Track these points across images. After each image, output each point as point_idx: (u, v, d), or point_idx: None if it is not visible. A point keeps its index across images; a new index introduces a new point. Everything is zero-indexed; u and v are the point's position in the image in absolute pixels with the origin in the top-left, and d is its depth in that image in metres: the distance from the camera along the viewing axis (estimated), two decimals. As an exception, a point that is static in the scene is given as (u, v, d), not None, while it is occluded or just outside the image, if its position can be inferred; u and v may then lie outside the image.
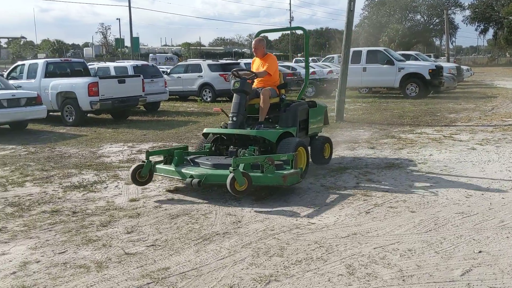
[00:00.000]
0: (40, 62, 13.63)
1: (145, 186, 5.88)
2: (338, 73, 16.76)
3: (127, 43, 65.92)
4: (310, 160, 6.56)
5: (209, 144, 6.30)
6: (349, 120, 12.02)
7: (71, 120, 12.45)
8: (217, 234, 4.29)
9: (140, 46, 68.38)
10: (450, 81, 20.09)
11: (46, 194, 5.79)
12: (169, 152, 6.01)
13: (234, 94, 6.18)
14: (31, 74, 13.29)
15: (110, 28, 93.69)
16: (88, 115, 13.03)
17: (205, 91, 18.84)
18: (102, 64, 19.02)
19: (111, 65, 17.51)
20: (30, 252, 3.96)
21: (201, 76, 18.84)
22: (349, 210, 4.92)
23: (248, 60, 24.62)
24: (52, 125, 12.47)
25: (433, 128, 10.42)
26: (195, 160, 5.76)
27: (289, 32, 78.08)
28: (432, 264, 3.56)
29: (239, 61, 24.21)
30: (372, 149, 8.23)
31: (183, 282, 3.35)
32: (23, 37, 76.15)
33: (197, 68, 19.21)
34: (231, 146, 6.10)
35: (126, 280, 3.39)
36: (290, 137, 6.03)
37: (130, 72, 15.56)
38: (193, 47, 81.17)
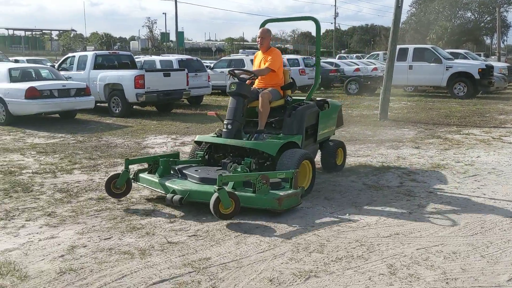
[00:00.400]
0: (90, 54, 14.07)
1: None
2: (383, 70, 16.46)
3: (172, 37, 67.03)
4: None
5: (202, 153, 5.61)
6: (393, 119, 11.79)
7: (117, 111, 12.79)
8: (257, 228, 4.32)
9: (185, 41, 69.39)
10: (501, 81, 19.33)
11: (93, 181, 5.99)
12: (154, 159, 5.36)
13: (230, 98, 5.42)
14: (81, 65, 13.74)
15: (156, 22, 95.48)
16: (134, 107, 13.36)
17: (248, 86, 18.88)
18: (148, 58, 19.42)
19: (156, 58, 17.86)
20: (78, 236, 4.11)
21: (244, 71, 18.89)
22: (392, 210, 4.83)
23: (291, 56, 24.54)
24: (100, 115, 12.86)
25: (481, 129, 10.08)
26: (183, 171, 5.10)
27: (333, 28, 77.13)
28: (477, 268, 3.46)
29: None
30: (417, 148, 8.05)
31: (223, 273, 3.40)
32: (73, 30, 78.77)
33: (240, 63, 19.29)
34: (228, 157, 5.42)
35: (168, 268, 3.48)
36: (294, 149, 5.22)
37: (175, 66, 15.83)
38: (236, 42, 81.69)
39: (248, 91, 5.45)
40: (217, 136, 5.44)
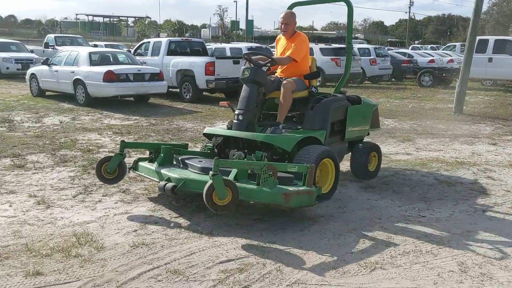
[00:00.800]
0: (164, 40, 14.52)
1: None
2: (459, 62, 15.70)
3: (242, 25, 67.56)
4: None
5: (211, 145, 5.09)
6: (468, 113, 11.25)
7: (188, 97, 13.14)
8: (321, 216, 4.31)
9: (254, 29, 69.76)
10: None
11: (164, 163, 6.20)
12: (155, 147, 4.87)
13: (243, 85, 4.80)
14: (155, 51, 14.21)
15: (227, 11, 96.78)
16: (204, 93, 13.65)
17: (316, 75, 18.71)
18: (218, 45, 19.75)
19: (227, 46, 18.12)
20: (150, 213, 4.31)
21: (313, 60, 18.71)
22: (464, 207, 4.64)
23: (362, 45, 23.97)
24: (171, 100, 13.27)
25: None
26: (186, 161, 4.56)
27: (407, 17, 74.40)
28: (558, 273, 3.26)
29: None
30: (493, 145, 7.64)
31: (288, 257, 3.44)
32: (148, 17, 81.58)
33: (310, 52, 19.11)
34: (235, 150, 4.82)
35: (234, 248, 3.56)
36: (314, 145, 4.63)
37: (245, 53, 15.94)
38: (305, 31, 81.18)
39: (264, 78, 4.76)
40: (228, 128, 4.87)
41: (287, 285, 3.04)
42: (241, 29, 70.45)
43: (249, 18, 54.48)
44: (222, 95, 14.67)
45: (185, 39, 16.58)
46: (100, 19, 79.49)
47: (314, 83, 5.26)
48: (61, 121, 9.27)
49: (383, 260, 3.43)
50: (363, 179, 5.48)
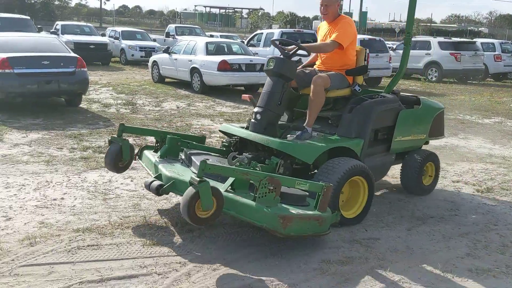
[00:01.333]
0: (276, 32, 14.73)
1: None
2: None
3: (355, 17, 66.09)
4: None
5: (227, 143, 4.42)
6: None
7: (296, 87, 13.21)
8: (431, 217, 4.14)
9: (367, 21, 67.88)
10: None
11: (271, 151, 6.35)
12: (161, 135, 4.31)
13: (267, 79, 4.06)
14: (267, 42, 14.47)
15: (341, 2, 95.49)
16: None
17: (431, 70, 17.79)
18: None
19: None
20: (256, 199, 4.45)
21: (429, 54, 17.80)
22: None
23: (485, 40, 22.21)
24: (280, 90, 13.45)
25: None
26: (192, 157, 3.89)
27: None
28: None
29: (474, 40, 22.03)
30: None
31: (393, 255, 3.36)
32: (261, 9, 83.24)
33: (426, 45, 18.19)
34: (236, 152, 4.17)
35: (336, 240, 3.57)
36: (344, 158, 3.77)
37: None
38: (422, 24, 77.01)
39: (292, 71, 4.00)
40: (246, 127, 4.15)
41: (391, 283, 2.99)
42: (354, 21, 68.98)
43: (363, 9, 52.99)
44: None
45: (297, 30, 16.65)
46: (217, 11, 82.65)
47: (359, 80, 4.38)
48: (178, 106, 9.87)
49: (497, 268, 3.22)
50: (416, 195, 4.67)
